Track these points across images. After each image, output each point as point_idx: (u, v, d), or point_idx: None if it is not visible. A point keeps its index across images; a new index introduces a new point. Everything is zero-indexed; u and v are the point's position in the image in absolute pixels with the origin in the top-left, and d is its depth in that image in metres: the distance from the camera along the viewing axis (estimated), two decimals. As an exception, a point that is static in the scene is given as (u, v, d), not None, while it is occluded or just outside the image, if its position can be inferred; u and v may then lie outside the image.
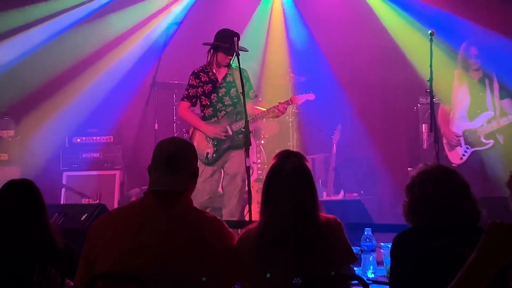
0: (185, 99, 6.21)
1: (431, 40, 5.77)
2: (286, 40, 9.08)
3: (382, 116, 9.05)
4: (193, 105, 6.24)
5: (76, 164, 8.37)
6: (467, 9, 8.18)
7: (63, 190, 8.18)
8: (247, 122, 5.27)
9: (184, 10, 9.04)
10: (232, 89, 6.17)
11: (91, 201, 7.87)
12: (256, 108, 6.26)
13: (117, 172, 8.31)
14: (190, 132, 6.30)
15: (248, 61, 7.87)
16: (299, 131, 8.43)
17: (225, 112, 6.15)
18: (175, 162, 2.92)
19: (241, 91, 5.36)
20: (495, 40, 7.51)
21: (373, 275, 3.93)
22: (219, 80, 6.18)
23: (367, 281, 3.36)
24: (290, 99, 6.27)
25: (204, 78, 6.18)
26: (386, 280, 3.79)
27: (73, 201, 7.97)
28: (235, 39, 5.45)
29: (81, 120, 8.51)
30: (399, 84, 8.83)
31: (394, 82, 8.85)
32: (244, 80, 5.82)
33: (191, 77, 6.22)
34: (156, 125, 7.57)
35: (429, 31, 5.81)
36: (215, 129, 6.07)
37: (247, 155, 5.19)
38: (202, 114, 6.23)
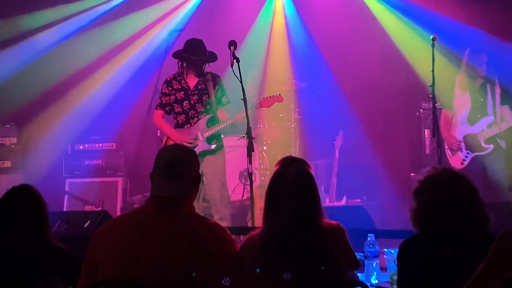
0: (158, 108, 6.41)
1: (433, 45, 5.78)
2: (288, 47, 9.09)
3: (384, 121, 9.04)
4: (167, 113, 6.41)
5: (79, 171, 8.38)
6: (468, 14, 8.19)
7: (65, 197, 8.19)
8: (249, 128, 5.32)
9: (185, 17, 9.06)
10: (204, 96, 6.28)
11: (94, 208, 7.88)
12: (224, 114, 6.31)
13: (120, 179, 8.32)
14: (164, 140, 6.43)
15: (250, 69, 7.92)
16: (301, 136, 8.44)
17: (197, 119, 6.27)
18: (176, 168, 2.93)
19: (243, 98, 5.38)
20: (497, 45, 7.51)
21: (376, 281, 3.92)
22: (191, 88, 6.31)
23: (371, 287, 3.35)
24: (258, 103, 6.30)
25: (176, 86, 6.34)
26: (390, 286, 3.78)
27: (75, 208, 7.97)
28: (232, 47, 5.45)
29: (83, 127, 8.53)
30: (401, 89, 8.83)
31: (396, 87, 8.84)
32: (217, 87, 6.04)
33: (163, 85, 6.41)
34: (158, 132, 7.56)
35: (431, 36, 5.82)
36: (184, 137, 6.19)
37: (249, 161, 5.21)
38: (175, 121, 6.38)
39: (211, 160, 6.24)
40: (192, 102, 6.28)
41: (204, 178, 6.20)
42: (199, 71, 6.29)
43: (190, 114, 6.28)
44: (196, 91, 6.29)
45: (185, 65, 6.33)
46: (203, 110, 6.27)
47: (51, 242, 3.22)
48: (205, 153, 6.19)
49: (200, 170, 6.08)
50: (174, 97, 6.31)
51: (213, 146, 6.24)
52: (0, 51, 8.49)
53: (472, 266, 2.21)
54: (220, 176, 6.27)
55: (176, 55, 6.36)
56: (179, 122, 6.32)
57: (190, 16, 9.09)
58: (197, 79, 6.32)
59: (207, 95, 6.27)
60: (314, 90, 8.69)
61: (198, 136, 6.22)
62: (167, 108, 6.36)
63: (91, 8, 8.91)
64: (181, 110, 6.30)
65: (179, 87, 6.32)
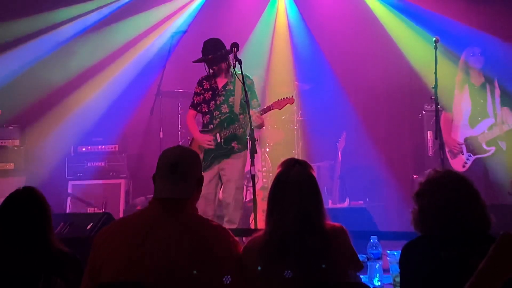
0: (191, 107, 6.41)
1: (435, 47, 5.77)
2: (290, 48, 9.09)
3: (387, 123, 9.04)
4: (200, 112, 6.38)
5: (82, 173, 8.38)
6: (470, 16, 8.19)
7: (68, 199, 8.18)
8: (252, 130, 5.29)
9: (188, 19, 9.07)
10: (230, 97, 6.23)
11: (97, 210, 7.87)
12: (259, 117, 6.20)
13: (122, 181, 8.32)
14: (190, 141, 6.46)
15: (254, 69, 7.91)
16: (304, 138, 8.44)
17: (219, 120, 6.22)
18: (179, 170, 2.93)
19: (245, 100, 5.37)
20: (498, 46, 7.50)
21: (379, 283, 3.92)
22: (219, 88, 6.28)
23: (373, 289, 3.35)
24: (270, 105, 6.26)
25: (206, 85, 6.33)
26: (392, 288, 3.79)
27: (78, 210, 7.96)
28: (234, 49, 5.45)
29: (86, 129, 8.53)
30: (403, 91, 8.83)
31: (398, 89, 8.85)
32: (246, 89, 5.92)
33: (196, 85, 6.40)
34: (161, 133, 7.58)
35: (434, 38, 5.81)
36: (203, 137, 6.19)
37: (252, 163, 5.19)
38: (202, 121, 6.38)
39: (229, 163, 6.19)
40: (218, 102, 6.24)
41: (221, 179, 6.21)
42: (221, 71, 6.25)
43: (214, 115, 6.25)
44: (223, 92, 6.25)
45: (206, 67, 6.29)
46: (228, 111, 6.22)
47: (54, 245, 3.22)
48: (221, 154, 6.17)
49: (217, 171, 6.16)
50: (203, 97, 6.30)
51: (229, 147, 6.17)
52: (3, 53, 8.50)
53: (474, 268, 2.20)
54: (236, 179, 6.17)
55: (195, 60, 6.34)
56: (205, 122, 6.32)
57: (193, 17, 9.10)
58: (226, 80, 6.28)
59: (233, 97, 6.21)
60: (317, 92, 8.69)
61: (216, 137, 6.22)
62: (198, 108, 6.35)
63: (93, 10, 8.91)
64: (207, 110, 6.28)
65: (208, 87, 6.30)
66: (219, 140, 6.19)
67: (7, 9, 8.63)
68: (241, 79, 5.38)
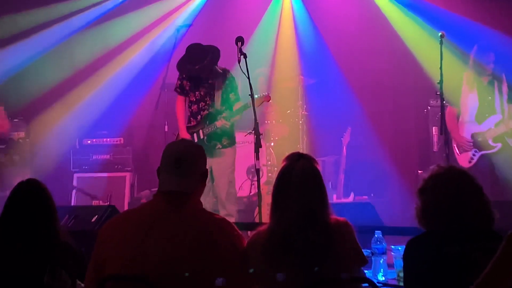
0: (177, 92, 6.51)
1: (441, 42, 5.75)
2: (295, 43, 9.07)
3: (392, 118, 9.02)
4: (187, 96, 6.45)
5: (87, 166, 8.40)
6: (476, 11, 8.16)
7: (73, 191, 8.20)
8: (256, 124, 5.29)
9: (193, 13, 9.06)
10: (212, 90, 6.27)
11: (102, 203, 7.89)
12: (226, 124, 6.22)
13: (127, 174, 8.33)
14: (176, 135, 6.48)
15: (258, 65, 7.91)
16: (308, 133, 8.43)
17: (204, 112, 6.28)
18: (183, 163, 2.93)
19: (250, 94, 5.37)
20: (505, 43, 7.47)
21: (383, 278, 3.92)
22: (203, 79, 6.30)
23: (378, 284, 3.34)
24: (248, 102, 6.28)
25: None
26: (397, 283, 3.78)
27: (83, 202, 7.98)
28: (239, 43, 5.44)
29: (91, 122, 8.55)
30: (409, 87, 8.81)
31: (404, 84, 8.83)
32: (226, 82, 6.07)
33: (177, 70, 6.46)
34: (166, 127, 7.56)
35: (439, 33, 5.79)
36: (184, 136, 6.22)
37: (257, 157, 5.20)
38: (189, 110, 6.40)
39: (219, 158, 6.23)
40: (202, 93, 6.30)
41: (212, 174, 6.21)
42: (206, 75, 6.28)
43: (200, 106, 6.31)
44: (206, 84, 6.30)
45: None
46: (211, 104, 6.26)
47: (60, 237, 3.23)
48: (210, 149, 6.18)
49: (209, 167, 6.17)
50: (185, 83, 6.34)
51: (212, 144, 6.22)
52: (8, 46, 8.51)
53: (478, 264, 2.20)
54: (227, 174, 6.25)
55: (180, 69, 6.35)
56: (193, 111, 6.35)
57: (198, 11, 9.08)
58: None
59: (215, 91, 6.25)
60: (321, 87, 8.68)
61: (199, 134, 6.23)
62: (184, 92, 6.39)
63: (98, 3, 8.92)
64: (194, 100, 6.33)
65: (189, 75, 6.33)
66: (202, 136, 6.23)
67: (12, 2, 8.63)
68: (246, 74, 5.36)
